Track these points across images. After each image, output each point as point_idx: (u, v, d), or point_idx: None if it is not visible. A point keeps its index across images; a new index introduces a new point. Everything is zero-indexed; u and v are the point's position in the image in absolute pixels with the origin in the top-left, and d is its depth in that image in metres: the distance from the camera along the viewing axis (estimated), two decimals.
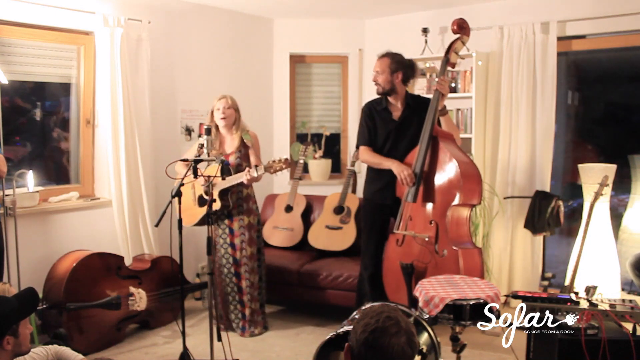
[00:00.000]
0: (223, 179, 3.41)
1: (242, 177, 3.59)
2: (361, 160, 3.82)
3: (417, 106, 3.61)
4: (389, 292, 3.59)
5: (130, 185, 4.20)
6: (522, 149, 4.35)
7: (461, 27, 3.49)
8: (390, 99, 3.65)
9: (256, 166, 3.55)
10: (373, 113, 3.70)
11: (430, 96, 3.56)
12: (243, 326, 3.92)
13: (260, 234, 4.02)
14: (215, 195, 3.73)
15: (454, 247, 3.27)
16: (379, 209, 3.71)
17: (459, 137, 3.63)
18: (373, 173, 3.74)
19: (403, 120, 3.62)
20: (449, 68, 3.59)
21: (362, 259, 3.80)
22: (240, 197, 3.87)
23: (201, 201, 3.84)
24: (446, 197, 3.35)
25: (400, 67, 3.58)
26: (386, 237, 3.69)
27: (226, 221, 3.88)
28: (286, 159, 3.41)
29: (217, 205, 3.76)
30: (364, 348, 1.53)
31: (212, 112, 3.86)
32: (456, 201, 3.30)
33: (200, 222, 3.85)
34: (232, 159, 3.83)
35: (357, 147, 3.83)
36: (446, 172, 3.37)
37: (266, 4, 4.89)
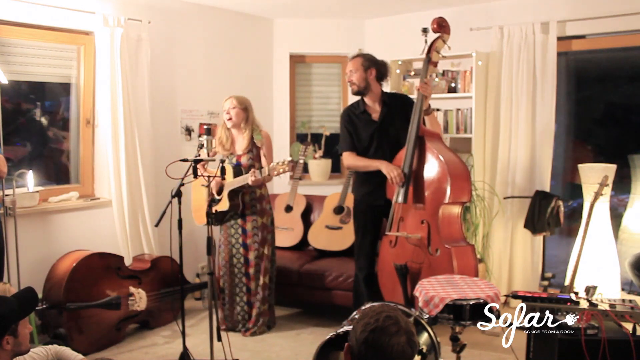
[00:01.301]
0: (223, 178, 3.41)
1: (247, 179, 3.59)
2: (346, 165, 3.82)
3: (395, 104, 3.63)
4: (385, 293, 3.59)
5: (130, 185, 4.20)
6: (522, 149, 4.35)
7: (441, 26, 3.48)
8: (367, 100, 3.66)
9: (261, 168, 3.54)
10: (352, 118, 3.69)
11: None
12: (247, 326, 3.92)
13: (273, 234, 4.01)
14: (225, 196, 3.74)
15: (447, 246, 3.28)
16: (370, 209, 3.71)
17: (442, 136, 3.63)
18: (363, 176, 3.73)
19: (383, 119, 3.62)
20: (432, 67, 3.59)
21: (357, 260, 3.78)
22: (254, 198, 3.87)
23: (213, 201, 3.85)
24: (436, 196, 3.35)
25: (373, 64, 3.61)
26: (380, 238, 3.69)
27: (239, 221, 3.88)
28: (290, 162, 3.40)
29: (225, 206, 3.77)
30: (364, 347, 1.53)
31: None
32: (446, 200, 3.30)
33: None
34: (244, 160, 3.84)
35: (340, 154, 3.80)
36: (434, 172, 3.36)
37: (266, 4, 4.89)
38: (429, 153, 3.40)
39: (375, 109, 3.66)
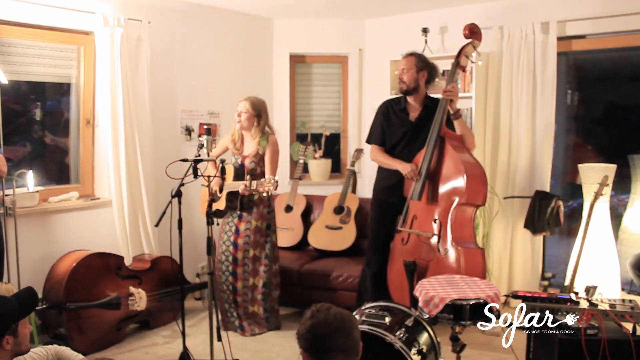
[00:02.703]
0: (223, 179, 3.41)
1: (239, 187, 3.57)
2: (371, 158, 3.87)
3: (434, 108, 3.60)
4: (392, 290, 3.60)
5: (130, 185, 4.20)
6: (522, 149, 4.35)
7: (473, 32, 3.55)
8: (409, 99, 3.67)
9: (252, 180, 3.49)
10: (390, 113, 3.72)
11: (432, 95, 3.58)
12: (240, 325, 3.92)
13: (270, 239, 3.94)
14: (223, 196, 3.76)
15: (457, 246, 3.29)
16: (387, 205, 3.73)
17: (474, 140, 3.62)
18: (383, 172, 3.77)
19: (419, 121, 3.64)
20: (459, 71, 3.61)
21: (367, 255, 3.80)
22: (251, 200, 3.87)
23: (215, 198, 3.85)
24: (451, 196, 3.37)
25: (426, 66, 3.62)
26: (393, 235, 3.70)
27: (235, 220, 3.89)
28: (276, 181, 3.32)
29: (221, 206, 3.77)
30: (314, 330, 1.79)
31: None
32: (461, 200, 3.32)
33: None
34: (247, 162, 3.84)
35: (368, 142, 3.86)
36: (452, 172, 3.39)
37: (266, 4, 4.89)
38: (448, 154, 3.43)
39: (415, 109, 3.68)
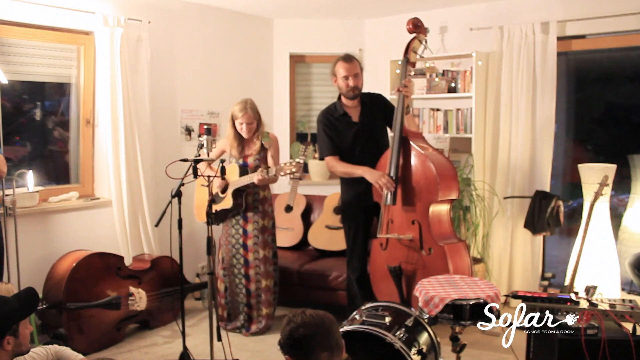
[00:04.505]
0: (223, 179, 3.41)
1: (253, 178, 3.58)
2: (330, 171, 3.78)
3: (372, 102, 3.64)
4: (378, 295, 3.58)
5: (130, 185, 4.20)
6: (522, 149, 4.35)
7: (416, 26, 3.52)
8: (348, 102, 3.63)
9: (267, 168, 3.52)
10: (332, 121, 3.65)
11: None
12: (248, 327, 3.93)
13: (275, 237, 3.99)
14: (229, 195, 3.75)
15: (440, 244, 3.29)
16: (361, 210, 3.69)
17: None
18: (348, 180, 3.70)
19: (364, 119, 3.63)
20: (410, 67, 3.61)
21: (349, 261, 3.76)
22: (257, 199, 3.87)
23: (216, 199, 3.85)
24: (425, 195, 3.35)
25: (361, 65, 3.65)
26: (371, 237, 3.68)
27: (241, 222, 3.88)
28: (297, 162, 3.36)
29: (227, 204, 3.77)
30: (293, 333, 1.84)
31: (232, 118, 3.82)
32: (436, 199, 3.31)
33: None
34: (250, 160, 3.84)
35: (322, 159, 3.77)
36: (422, 172, 3.36)
37: (266, 4, 4.89)
38: (414, 153, 3.41)
39: (355, 110, 3.65)
